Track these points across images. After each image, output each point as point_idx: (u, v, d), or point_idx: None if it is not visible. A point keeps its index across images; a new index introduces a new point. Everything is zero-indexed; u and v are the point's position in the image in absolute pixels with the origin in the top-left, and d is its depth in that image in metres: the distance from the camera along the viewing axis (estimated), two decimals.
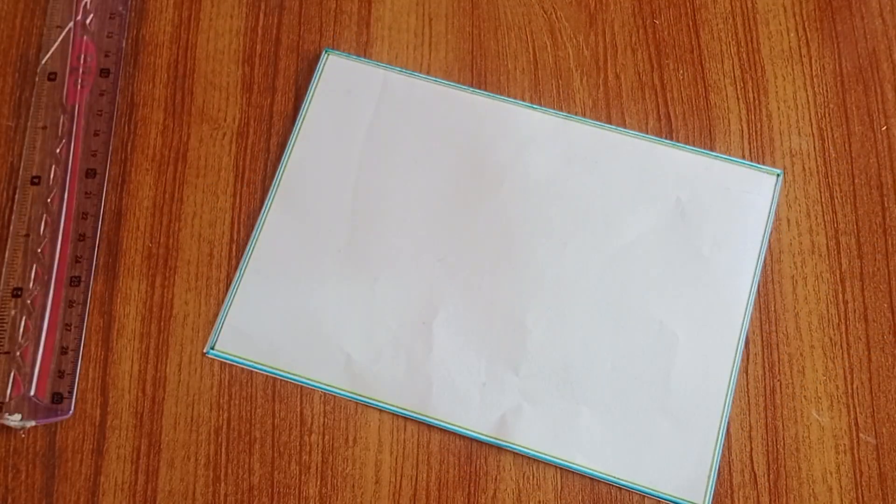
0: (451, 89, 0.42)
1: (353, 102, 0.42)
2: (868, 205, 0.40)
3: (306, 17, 0.43)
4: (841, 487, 0.36)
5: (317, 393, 0.38)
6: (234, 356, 0.38)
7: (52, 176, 0.40)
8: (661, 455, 0.36)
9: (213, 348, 0.38)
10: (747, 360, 0.38)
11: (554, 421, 0.37)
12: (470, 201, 0.40)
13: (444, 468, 0.37)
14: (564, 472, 0.37)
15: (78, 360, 0.37)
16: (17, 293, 0.38)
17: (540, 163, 0.41)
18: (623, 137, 0.41)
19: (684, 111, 0.42)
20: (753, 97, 0.42)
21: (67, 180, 0.40)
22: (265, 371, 0.38)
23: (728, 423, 0.37)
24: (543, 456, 0.37)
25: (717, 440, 0.37)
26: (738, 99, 0.42)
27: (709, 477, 0.36)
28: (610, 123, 0.41)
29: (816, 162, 0.41)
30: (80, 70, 0.42)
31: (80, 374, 0.37)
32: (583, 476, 0.37)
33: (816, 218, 0.40)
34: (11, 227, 0.39)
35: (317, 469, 0.37)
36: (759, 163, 0.41)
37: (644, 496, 0.36)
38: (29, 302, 0.38)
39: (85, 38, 0.42)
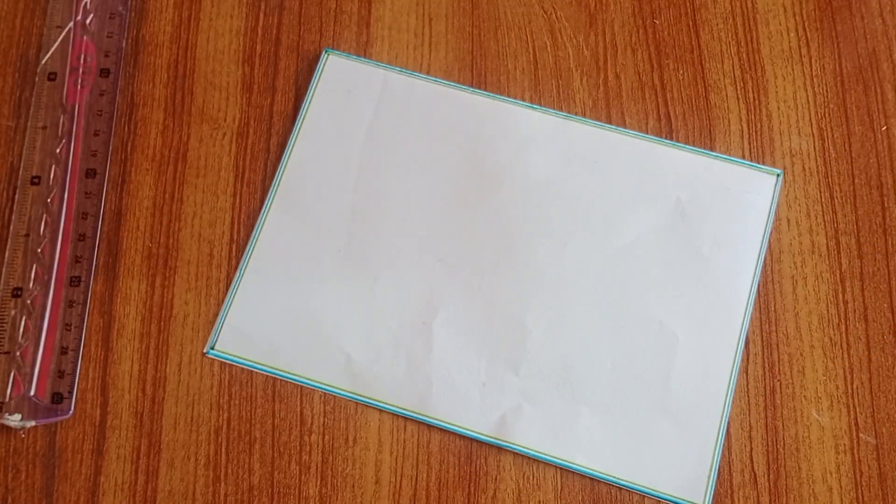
0: (451, 89, 0.42)
1: (353, 102, 0.42)
2: (868, 205, 0.40)
3: (306, 17, 0.43)
4: (841, 487, 0.36)
5: (317, 393, 0.38)
6: (234, 356, 0.38)
7: (52, 176, 0.40)
8: (661, 455, 0.36)
9: (213, 348, 0.38)
10: (747, 360, 0.38)
11: (554, 421, 0.37)
12: (470, 201, 0.40)
13: (444, 468, 0.37)
14: (564, 472, 0.37)
15: (78, 360, 0.37)
16: (17, 293, 0.38)
17: (540, 163, 0.41)
18: (623, 137, 0.41)
19: (684, 111, 0.42)
20: (753, 97, 0.42)
21: (67, 180, 0.40)
22: (265, 371, 0.38)
23: (728, 423, 0.37)
24: (543, 456, 0.37)
25: (717, 440, 0.37)
26: (738, 99, 0.42)
27: (709, 477, 0.36)
28: (610, 123, 0.41)
29: (816, 162, 0.41)
30: (80, 70, 0.42)
31: (80, 374, 0.37)
32: (583, 476, 0.37)
33: (816, 218, 0.40)
34: (11, 227, 0.39)
35: (317, 469, 0.37)
36: (759, 163, 0.41)
37: (644, 496, 0.36)
38: (29, 302, 0.38)
39: (85, 38, 0.42)
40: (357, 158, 0.41)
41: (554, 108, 0.42)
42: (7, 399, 0.37)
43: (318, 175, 0.40)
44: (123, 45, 0.42)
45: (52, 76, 0.41)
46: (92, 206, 0.40)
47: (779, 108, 0.42)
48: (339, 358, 0.38)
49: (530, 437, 0.37)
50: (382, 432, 0.37)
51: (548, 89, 0.42)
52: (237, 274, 0.39)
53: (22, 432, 0.37)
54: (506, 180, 0.40)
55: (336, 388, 0.37)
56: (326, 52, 0.42)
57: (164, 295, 0.39)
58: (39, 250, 0.39)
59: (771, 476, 0.37)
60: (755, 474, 0.37)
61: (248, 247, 0.39)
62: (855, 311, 0.39)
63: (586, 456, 0.36)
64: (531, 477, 0.37)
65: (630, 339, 0.38)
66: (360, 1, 0.43)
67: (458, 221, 0.40)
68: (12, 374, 0.37)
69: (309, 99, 0.41)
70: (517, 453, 0.37)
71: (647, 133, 0.41)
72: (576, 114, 0.42)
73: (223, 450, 0.37)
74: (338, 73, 0.42)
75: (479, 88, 0.42)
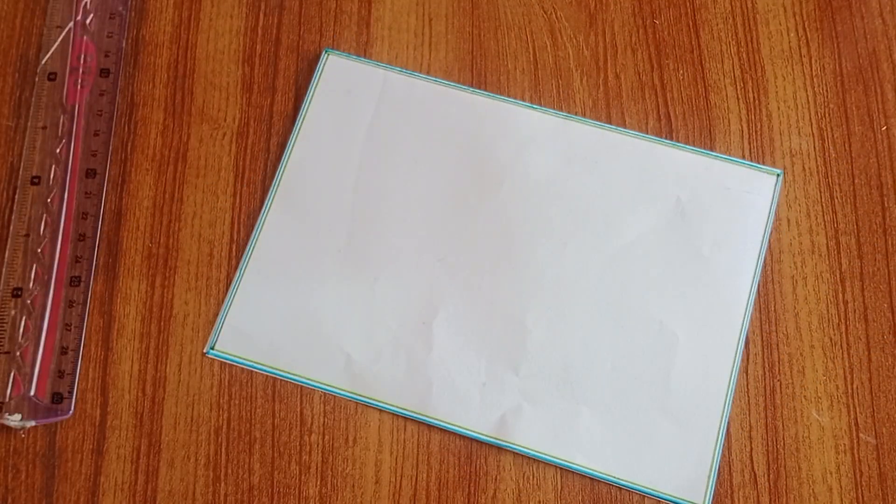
0: (451, 89, 0.42)
1: (353, 102, 0.42)
2: (868, 205, 0.40)
3: (306, 17, 0.43)
4: (841, 487, 0.36)
5: (317, 393, 0.38)
6: (234, 356, 0.38)
7: (52, 176, 0.40)
8: (661, 455, 0.36)
9: (213, 348, 0.38)
10: (747, 360, 0.38)
11: (554, 421, 0.37)
12: (470, 201, 0.40)
13: (444, 468, 0.37)
14: (564, 472, 0.37)
15: (78, 360, 0.37)
16: (17, 293, 0.38)
17: (540, 163, 0.41)
18: (623, 137, 0.41)
19: (684, 111, 0.42)
20: (753, 97, 0.42)
21: (67, 180, 0.40)
22: (265, 371, 0.38)
23: (728, 423, 0.37)
24: (543, 456, 0.37)
25: (717, 440, 0.37)
26: (738, 99, 0.42)
27: (709, 477, 0.36)
28: (610, 123, 0.41)
29: (816, 162, 0.41)
30: (80, 70, 0.42)
31: (80, 374, 0.37)
32: (583, 476, 0.37)
33: (816, 218, 0.40)
34: (11, 227, 0.39)
35: (317, 469, 0.37)
36: (759, 163, 0.41)
37: (644, 496, 0.36)
38: (29, 302, 0.38)
39: (85, 38, 0.42)
40: (357, 158, 0.41)
41: (554, 108, 0.42)
42: (7, 399, 0.37)
43: (318, 175, 0.40)
44: (123, 45, 0.42)
45: (52, 76, 0.41)
46: (92, 206, 0.40)
47: (779, 108, 0.42)
48: (339, 358, 0.38)
49: (530, 437, 0.37)
50: (382, 432, 0.37)
51: (548, 89, 0.42)
52: (237, 274, 0.39)
53: (22, 432, 0.37)
54: (506, 180, 0.40)
55: (336, 388, 0.37)
56: (326, 52, 0.42)
57: (164, 295, 0.39)
58: (39, 250, 0.39)
59: (771, 476, 0.37)
60: (755, 474, 0.37)
61: (248, 247, 0.39)
62: (855, 311, 0.39)
63: (586, 456, 0.37)
64: (531, 477, 0.37)
65: (630, 339, 0.38)
66: (360, 1, 0.43)
67: (458, 221, 0.40)
68: (12, 374, 0.37)
69: (309, 99, 0.41)
70: (517, 453, 0.37)
71: (647, 133, 0.41)
72: (576, 114, 0.42)
73: (223, 450, 0.37)
74: (338, 73, 0.42)
75: (479, 88, 0.42)
